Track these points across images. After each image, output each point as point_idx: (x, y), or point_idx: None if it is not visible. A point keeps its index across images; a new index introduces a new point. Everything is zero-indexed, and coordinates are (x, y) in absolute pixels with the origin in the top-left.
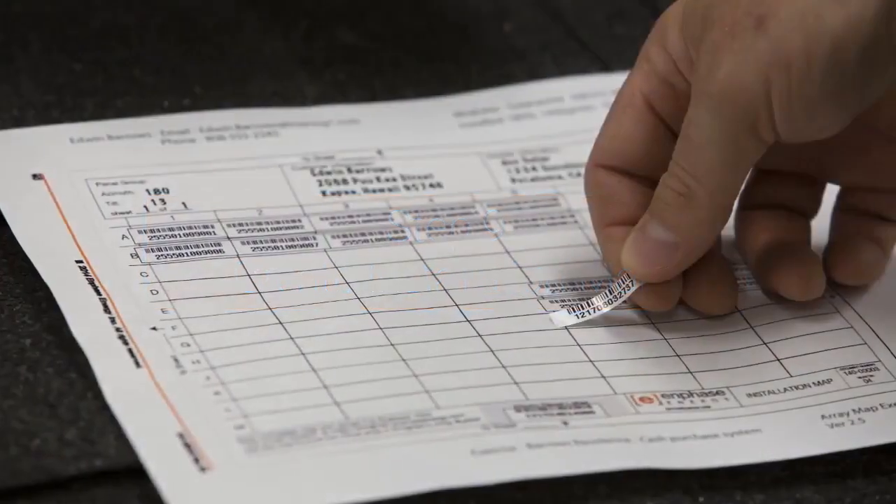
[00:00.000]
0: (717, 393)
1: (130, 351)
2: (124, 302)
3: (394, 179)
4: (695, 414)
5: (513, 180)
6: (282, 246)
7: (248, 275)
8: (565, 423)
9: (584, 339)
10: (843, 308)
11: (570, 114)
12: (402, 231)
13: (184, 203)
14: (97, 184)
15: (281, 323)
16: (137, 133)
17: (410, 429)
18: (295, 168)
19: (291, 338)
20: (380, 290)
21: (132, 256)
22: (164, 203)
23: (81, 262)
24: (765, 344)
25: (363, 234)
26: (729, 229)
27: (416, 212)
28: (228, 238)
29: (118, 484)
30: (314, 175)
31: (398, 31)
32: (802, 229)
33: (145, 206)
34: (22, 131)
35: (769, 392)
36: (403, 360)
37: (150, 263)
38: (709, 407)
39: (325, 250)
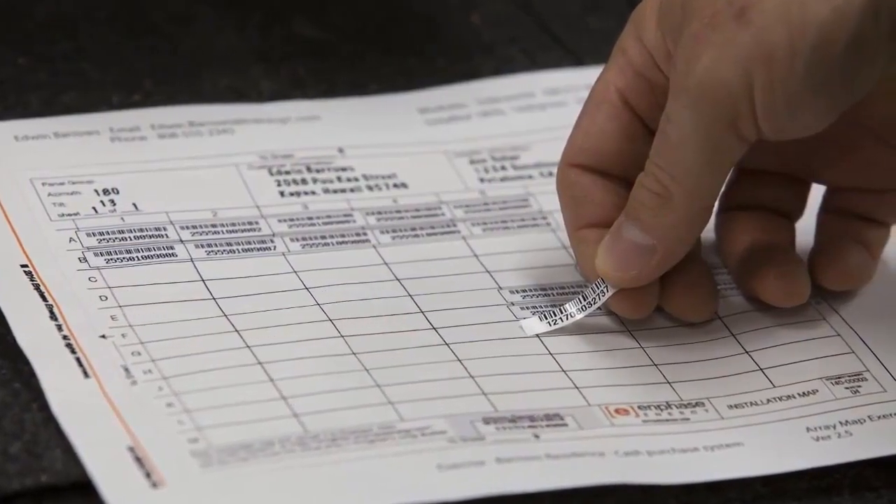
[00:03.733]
0: (696, 404)
1: (78, 360)
2: (72, 308)
3: (356, 179)
4: (673, 426)
5: (481, 180)
6: (238, 249)
7: (203, 280)
8: (536, 437)
9: (557, 347)
10: (830, 315)
11: (541, 110)
12: (365, 234)
13: (134, 204)
14: (43, 184)
15: (237, 331)
16: (85, 130)
17: (373, 442)
18: (251, 167)
19: (248, 346)
20: (341, 296)
21: (80, 260)
22: (114, 204)
23: (27, 266)
24: (747, 353)
25: (323, 237)
26: (709, 232)
27: (380, 213)
28: (181, 241)
29: (65, 500)
30: (272, 175)
31: (360, 22)
32: (786, 231)
33: (94, 208)
34: None
35: (751, 403)
36: (366, 369)
37: (98, 268)
38: (688, 419)
39: (283, 254)
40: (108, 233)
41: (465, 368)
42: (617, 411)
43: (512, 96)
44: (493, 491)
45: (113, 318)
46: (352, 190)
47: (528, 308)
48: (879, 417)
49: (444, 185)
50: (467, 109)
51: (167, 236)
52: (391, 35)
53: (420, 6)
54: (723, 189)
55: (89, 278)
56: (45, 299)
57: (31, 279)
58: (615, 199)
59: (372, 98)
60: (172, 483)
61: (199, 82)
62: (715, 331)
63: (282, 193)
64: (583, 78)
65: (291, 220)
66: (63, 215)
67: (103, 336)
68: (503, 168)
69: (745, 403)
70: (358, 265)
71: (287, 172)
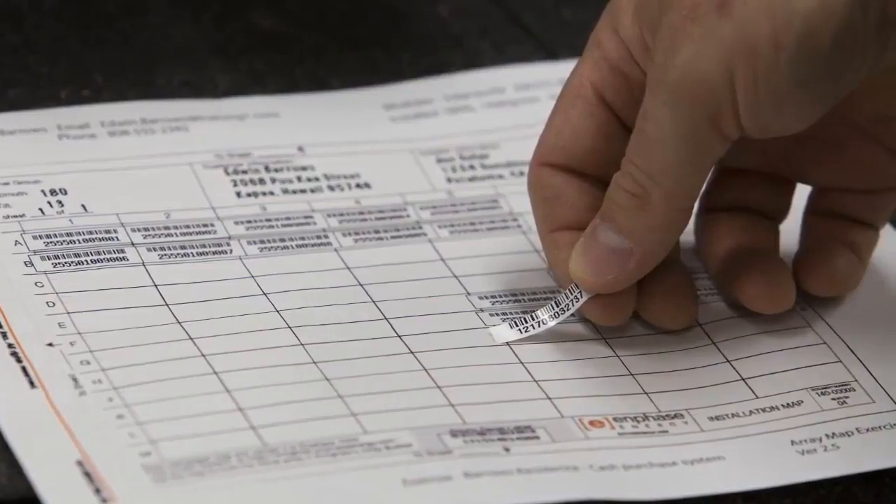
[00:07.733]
0: (675, 416)
1: (24, 369)
2: (17, 315)
3: (316, 179)
4: (650, 439)
5: (448, 180)
6: (192, 253)
7: (155, 285)
8: (507, 450)
9: (528, 356)
10: (816, 322)
11: (512, 106)
12: (326, 236)
13: (83, 205)
14: None
15: (191, 338)
16: (31, 128)
17: (335, 456)
18: (207, 166)
19: (203, 355)
20: (301, 302)
21: (26, 265)
22: (62, 205)
23: None
24: (728, 362)
25: (282, 240)
26: (689, 234)
27: (342, 215)
28: (133, 244)
29: None
30: (228, 174)
31: (321, 14)
32: (770, 234)
33: (41, 209)
34: None
35: (733, 415)
36: (327, 379)
37: (45, 272)
38: (666, 431)
39: (240, 258)
40: (55, 235)
41: (432, 378)
42: (591, 423)
43: (481, 92)
44: None
45: (61, 325)
46: (312, 190)
47: (497, 315)
48: (868, 430)
49: (409, 185)
50: (434, 105)
51: (118, 239)
52: (354, 27)
53: None
54: (703, 189)
55: (36, 283)
56: None
57: None
58: (590, 200)
59: (334, 94)
60: (123, 499)
61: (152, 77)
62: (695, 339)
63: (238, 194)
64: (556, 72)
65: (249, 221)
66: (8, 217)
67: (50, 344)
68: (472, 167)
69: (727, 415)
70: (319, 269)
71: (244, 172)
